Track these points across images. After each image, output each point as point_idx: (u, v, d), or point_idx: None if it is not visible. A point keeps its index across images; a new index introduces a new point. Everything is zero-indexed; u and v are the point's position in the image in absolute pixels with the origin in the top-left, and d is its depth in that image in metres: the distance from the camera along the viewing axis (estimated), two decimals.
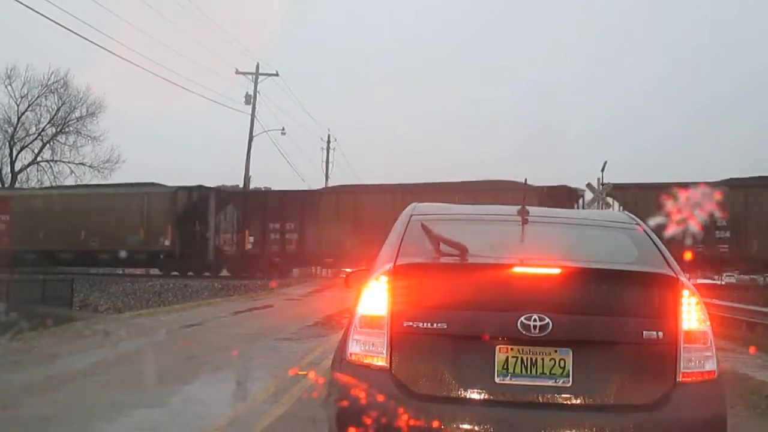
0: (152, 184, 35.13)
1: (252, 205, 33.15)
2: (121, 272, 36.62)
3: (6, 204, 35.88)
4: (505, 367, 3.41)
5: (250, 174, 40.94)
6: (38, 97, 47.65)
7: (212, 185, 36.47)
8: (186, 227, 32.67)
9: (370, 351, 3.48)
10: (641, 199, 23.91)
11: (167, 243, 32.34)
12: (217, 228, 33.31)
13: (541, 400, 3.38)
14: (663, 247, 4.00)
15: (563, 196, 27.31)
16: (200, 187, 34.12)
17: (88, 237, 33.23)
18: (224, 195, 34.45)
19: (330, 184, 44.16)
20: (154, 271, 35.53)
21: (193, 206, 33.07)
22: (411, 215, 4.23)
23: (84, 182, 45.87)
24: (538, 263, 3.56)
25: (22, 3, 22.06)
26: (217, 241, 32.84)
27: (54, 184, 46.15)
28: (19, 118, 47.50)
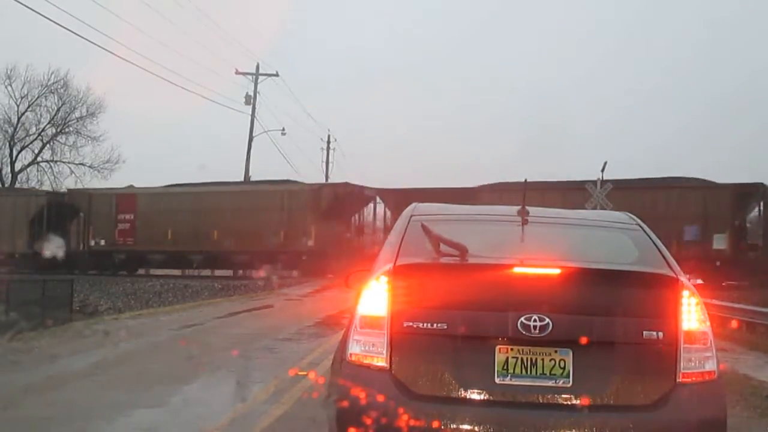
0: (289, 181, 33.80)
1: (402, 202, 31.61)
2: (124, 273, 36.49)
3: (131, 202, 34.46)
4: (505, 367, 3.41)
5: (250, 174, 40.98)
6: (38, 97, 47.71)
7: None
8: (328, 226, 30.47)
9: (370, 351, 3.48)
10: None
11: (310, 243, 30.59)
12: (360, 227, 32.06)
13: (541, 401, 3.38)
14: (663, 248, 4.00)
15: (755, 195, 27.13)
16: (345, 184, 32.57)
17: (222, 237, 31.57)
18: (369, 192, 32.39)
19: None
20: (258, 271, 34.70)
21: (336, 203, 31.09)
22: (411, 215, 4.23)
23: (84, 183, 45.97)
24: (538, 263, 3.56)
25: (21, 3, 22.07)
26: (359, 242, 31.39)
27: (54, 184, 46.20)
28: (19, 118, 47.56)
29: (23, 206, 35.05)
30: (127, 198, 34.58)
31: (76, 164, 47.82)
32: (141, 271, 35.17)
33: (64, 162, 47.98)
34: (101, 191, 37.24)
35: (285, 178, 35.17)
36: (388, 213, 30.81)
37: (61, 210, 35.25)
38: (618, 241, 4.18)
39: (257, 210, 31.10)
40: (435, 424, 3.30)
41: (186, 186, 34.33)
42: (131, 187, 36.81)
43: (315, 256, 30.22)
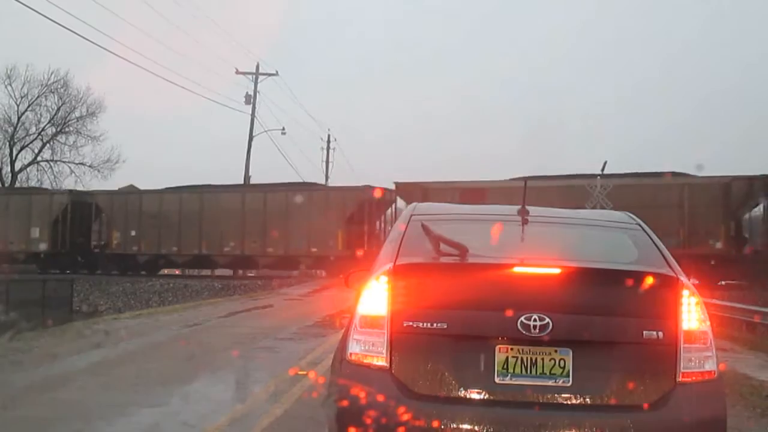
0: (306, 183, 33.02)
1: (436, 197, 28.66)
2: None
3: (157, 202, 33.27)
4: (505, 367, 3.41)
5: (250, 174, 41.00)
6: (38, 97, 47.73)
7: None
8: (355, 230, 30.11)
9: (370, 351, 3.48)
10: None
11: (339, 247, 30.04)
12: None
13: (541, 400, 3.38)
14: (663, 247, 4.00)
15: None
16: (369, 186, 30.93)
17: (249, 239, 31.15)
18: (389, 195, 30.77)
19: (330, 184, 43.96)
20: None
21: (363, 208, 30.54)
22: (411, 215, 4.23)
23: (84, 183, 45.92)
24: (539, 263, 3.56)
25: (22, 3, 22.06)
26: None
27: (54, 183, 46.18)
28: (19, 118, 47.57)
29: (46, 205, 34.39)
30: (153, 198, 33.96)
31: (76, 164, 47.88)
32: (164, 272, 34.73)
33: (64, 162, 48.03)
34: (126, 191, 36.56)
35: (302, 180, 34.76)
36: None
37: (84, 209, 34.67)
38: (618, 240, 4.18)
39: (293, 214, 30.66)
40: (435, 424, 3.30)
41: (213, 187, 33.92)
42: (163, 188, 35.88)
43: (343, 259, 29.89)
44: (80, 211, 34.53)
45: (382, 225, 31.83)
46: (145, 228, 33.13)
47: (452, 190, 28.76)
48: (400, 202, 29.55)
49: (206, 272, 35.66)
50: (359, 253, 28.68)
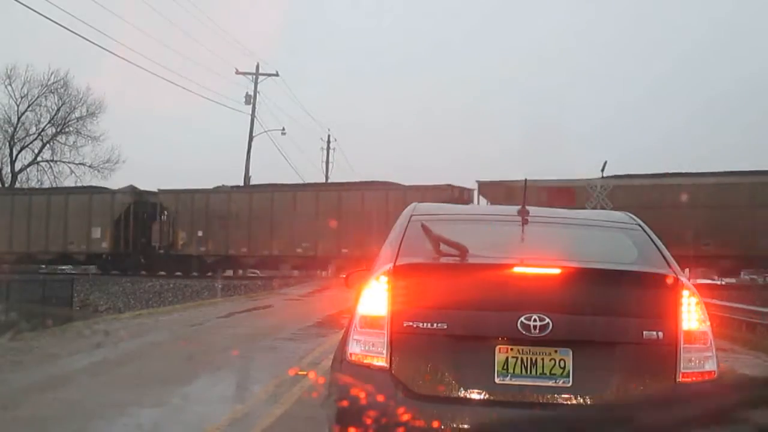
0: (377, 182, 31.25)
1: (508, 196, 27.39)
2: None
3: (224, 202, 31.85)
4: (505, 367, 3.41)
5: (250, 174, 41.00)
6: (38, 97, 47.64)
7: (211, 185, 35.94)
8: None
9: (370, 351, 3.48)
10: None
11: None
12: None
13: (541, 401, 3.38)
14: (663, 247, 4.00)
15: None
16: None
17: (320, 239, 30.06)
18: (467, 194, 29.84)
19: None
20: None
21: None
22: (411, 215, 4.23)
23: (84, 183, 45.77)
24: (538, 263, 3.56)
25: (21, 3, 22.07)
26: None
27: (54, 184, 46.18)
28: (19, 118, 47.52)
29: (107, 204, 33.23)
30: (221, 197, 32.75)
31: (76, 164, 47.79)
32: (229, 272, 33.48)
33: (64, 162, 47.96)
34: (192, 190, 34.83)
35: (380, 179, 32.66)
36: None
37: (146, 209, 33.56)
38: (618, 240, 4.18)
39: (368, 214, 29.38)
40: (435, 424, 3.30)
41: (284, 186, 32.72)
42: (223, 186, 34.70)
43: None
44: (142, 211, 33.42)
45: None
46: (212, 228, 31.92)
47: (538, 189, 27.23)
48: (482, 201, 28.84)
49: (228, 273, 35.16)
50: None
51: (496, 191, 27.37)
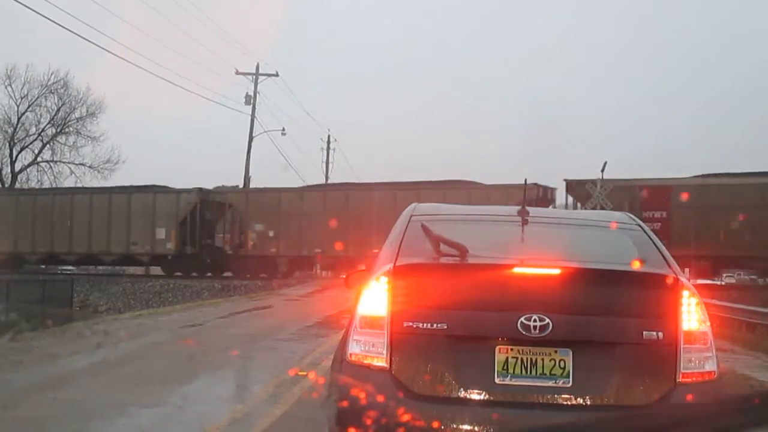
0: (460, 181, 30.17)
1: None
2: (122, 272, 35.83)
3: (295, 201, 30.76)
4: (505, 367, 3.41)
5: (250, 174, 40.99)
6: (38, 97, 47.58)
7: (211, 186, 35.53)
8: None
9: (370, 351, 3.48)
10: None
11: None
12: None
13: (541, 401, 3.38)
14: (663, 248, 4.00)
15: None
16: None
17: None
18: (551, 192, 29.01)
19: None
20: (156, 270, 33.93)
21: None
22: (411, 215, 4.23)
23: (85, 183, 45.74)
24: (538, 263, 3.56)
25: (21, 3, 22.07)
26: None
27: (54, 184, 46.16)
28: (19, 119, 47.47)
29: (172, 204, 32.13)
30: (293, 196, 31.34)
31: (76, 164, 47.75)
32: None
33: (64, 162, 47.91)
34: (261, 189, 33.84)
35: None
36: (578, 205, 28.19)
37: (212, 208, 32.77)
38: (618, 241, 4.18)
39: None
40: (435, 425, 3.30)
41: (359, 185, 31.59)
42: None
43: None
44: (208, 210, 32.64)
45: None
46: (284, 228, 30.93)
47: (631, 188, 27.07)
48: (564, 200, 28.43)
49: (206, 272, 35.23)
50: None
51: (582, 190, 26.71)
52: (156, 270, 34.88)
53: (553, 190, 29.27)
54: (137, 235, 32.16)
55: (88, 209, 32.64)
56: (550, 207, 28.38)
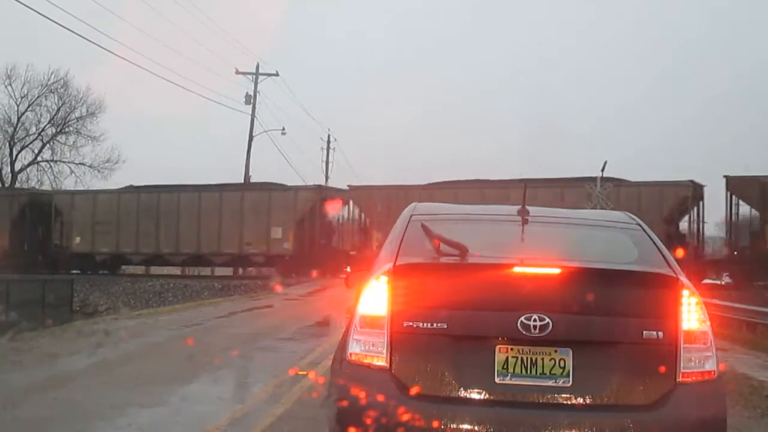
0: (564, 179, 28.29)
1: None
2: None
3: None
4: (505, 367, 3.41)
5: (250, 174, 40.98)
6: (38, 97, 47.70)
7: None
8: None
9: (370, 351, 3.48)
10: None
11: None
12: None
13: (541, 401, 3.38)
14: (663, 247, 4.00)
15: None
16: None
17: None
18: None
19: (330, 185, 43.69)
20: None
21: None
22: (411, 215, 4.23)
23: (85, 183, 45.71)
24: (538, 263, 3.56)
25: (22, 3, 22.07)
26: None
27: (54, 184, 46.17)
28: (19, 118, 47.55)
29: (289, 203, 30.94)
30: (420, 194, 28.60)
31: (76, 164, 47.83)
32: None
33: (64, 162, 48.00)
34: (387, 186, 31.63)
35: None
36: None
37: (330, 206, 31.03)
38: (618, 240, 4.18)
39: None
40: (435, 424, 3.30)
41: (490, 182, 29.32)
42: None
43: None
44: (325, 207, 30.97)
45: (693, 224, 28.40)
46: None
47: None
48: (733, 199, 27.42)
49: (206, 272, 35.19)
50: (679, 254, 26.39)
51: (748, 187, 25.88)
52: (157, 270, 34.74)
53: (689, 186, 28.03)
54: (251, 235, 30.73)
55: (197, 208, 31.40)
56: (699, 205, 27.80)
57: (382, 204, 29.67)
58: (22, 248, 33.03)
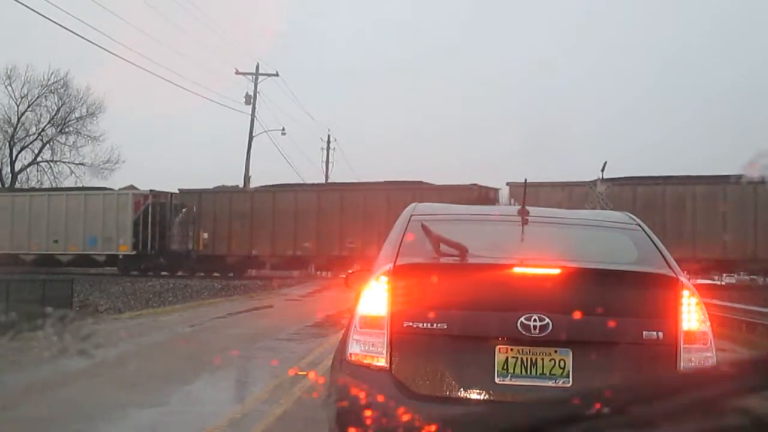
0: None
1: None
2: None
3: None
4: (505, 367, 3.41)
5: (250, 174, 40.99)
6: (38, 97, 47.62)
7: (211, 186, 35.46)
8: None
9: (370, 351, 3.48)
10: None
11: None
12: None
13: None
14: (663, 248, 4.00)
15: None
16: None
17: None
18: None
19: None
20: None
21: None
22: (411, 215, 4.23)
23: (84, 183, 45.71)
24: (538, 263, 3.56)
25: (22, 3, 22.07)
26: None
27: (54, 184, 46.16)
28: (19, 118, 47.49)
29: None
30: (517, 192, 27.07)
31: (76, 164, 47.78)
32: None
33: (64, 162, 47.94)
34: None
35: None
36: None
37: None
38: (618, 241, 4.18)
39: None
40: (435, 425, 3.29)
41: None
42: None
43: None
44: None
45: None
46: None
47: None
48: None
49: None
50: None
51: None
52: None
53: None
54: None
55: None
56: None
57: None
58: (145, 250, 32.25)
